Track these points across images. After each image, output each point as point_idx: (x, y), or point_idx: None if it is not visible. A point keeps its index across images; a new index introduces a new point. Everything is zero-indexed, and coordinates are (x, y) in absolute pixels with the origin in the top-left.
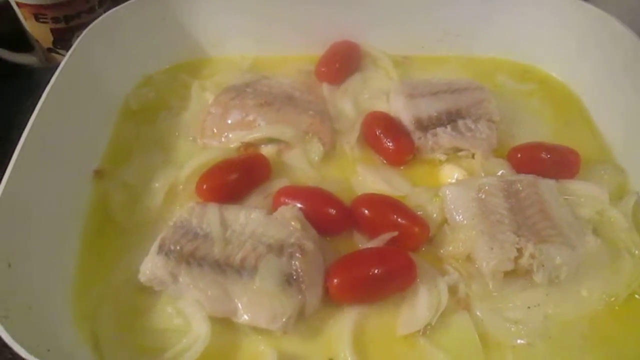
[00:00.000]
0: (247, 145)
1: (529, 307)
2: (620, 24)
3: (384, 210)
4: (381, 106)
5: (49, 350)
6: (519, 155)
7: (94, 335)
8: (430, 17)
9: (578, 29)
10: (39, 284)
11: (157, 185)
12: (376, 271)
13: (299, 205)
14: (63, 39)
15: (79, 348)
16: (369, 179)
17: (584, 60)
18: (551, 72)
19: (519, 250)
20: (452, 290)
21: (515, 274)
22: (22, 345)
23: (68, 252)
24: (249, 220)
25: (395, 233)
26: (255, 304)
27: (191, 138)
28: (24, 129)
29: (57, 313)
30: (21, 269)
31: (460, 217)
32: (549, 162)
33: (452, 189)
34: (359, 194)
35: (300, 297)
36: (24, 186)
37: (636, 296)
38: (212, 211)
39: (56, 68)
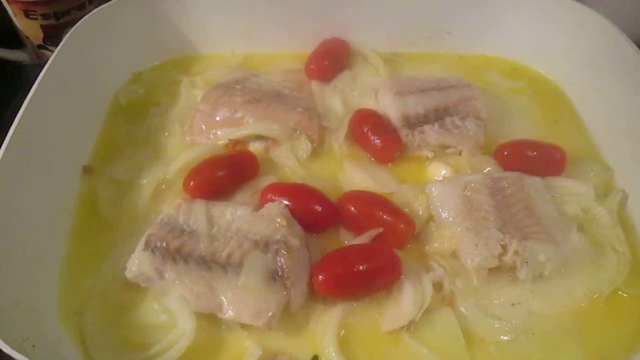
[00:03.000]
0: (235, 142)
1: (513, 304)
2: (610, 24)
3: (370, 207)
4: (370, 103)
5: (34, 346)
6: (506, 153)
7: (81, 331)
8: (420, 15)
9: (568, 28)
10: (25, 279)
11: (145, 181)
12: (362, 268)
13: (285, 202)
14: (53, 36)
15: (65, 343)
16: (356, 176)
17: (573, 59)
18: (541, 71)
19: (504, 247)
20: (437, 286)
21: (500, 271)
22: (6, 341)
23: (55, 248)
24: (235, 217)
25: (381, 229)
26: (240, 299)
27: (179, 135)
28: (11, 124)
29: (43, 309)
30: (7, 264)
31: (446, 214)
32: (535, 159)
33: (438, 186)
34: (347, 190)
35: (285, 293)
36: (12, 182)
37: (619, 292)
38: (199, 208)
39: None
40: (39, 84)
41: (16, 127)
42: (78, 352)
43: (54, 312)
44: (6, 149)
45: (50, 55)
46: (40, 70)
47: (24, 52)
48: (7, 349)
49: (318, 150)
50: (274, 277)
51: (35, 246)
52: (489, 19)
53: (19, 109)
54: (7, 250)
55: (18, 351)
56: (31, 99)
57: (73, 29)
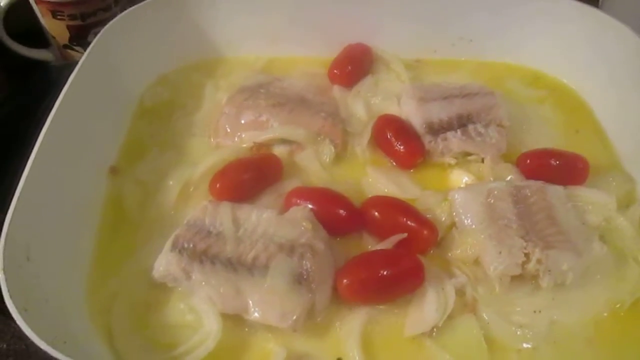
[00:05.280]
0: (260, 145)
1: (534, 312)
2: (632, 32)
3: (394, 212)
4: (392, 109)
5: (65, 342)
6: (528, 161)
7: (108, 329)
8: (443, 22)
9: (590, 37)
10: (55, 278)
11: (171, 183)
12: (385, 272)
13: (310, 206)
14: (79, 36)
15: (93, 341)
16: (379, 181)
17: (595, 68)
18: (562, 79)
19: (527, 255)
20: (460, 293)
21: (522, 279)
22: (41, 337)
23: (84, 247)
24: (261, 220)
25: (404, 235)
26: (266, 301)
27: (204, 137)
28: (42, 125)
29: (72, 307)
30: (39, 262)
31: (469, 221)
32: (557, 168)
33: (461, 193)
34: (369, 195)
35: (310, 296)
36: (42, 182)
37: None
38: (225, 210)
39: (73, 64)
40: (69, 85)
41: (48, 128)
42: (106, 350)
43: (83, 310)
44: (38, 149)
45: (75, 55)
46: (66, 70)
47: (49, 51)
48: (43, 345)
49: (341, 155)
50: (299, 280)
51: (64, 245)
52: (511, 27)
53: (48, 109)
54: (39, 249)
55: (53, 347)
56: (62, 100)
57: (102, 31)
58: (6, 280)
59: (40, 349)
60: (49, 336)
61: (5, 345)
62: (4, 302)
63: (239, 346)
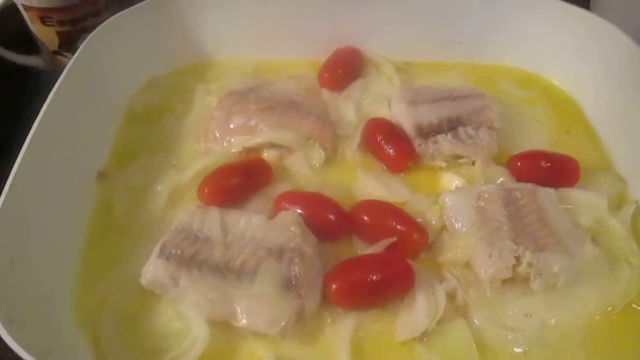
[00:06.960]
0: (249, 150)
1: (526, 315)
2: (622, 33)
3: (384, 216)
4: (383, 112)
5: (50, 352)
6: (519, 164)
7: (96, 336)
8: (433, 24)
9: (581, 38)
10: (41, 283)
11: (159, 188)
12: (375, 277)
13: (299, 210)
14: (69, 42)
15: (81, 348)
16: (369, 184)
17: (586, 69)
18: (553, 81)
19: (517, 258)
20: (450, 296)
21: (513, 282)
22: (24, 347)
23: (71, 252)
24: (249, 224)
25: (394, 239)
26: (254, 307)
27: (194, 142)
28: (30, 129)
29: (59, 313)
30: (23, 267)
31: (459, 224)
32: (548, 170)
33: (451, 196)
34: (359, 199)
35: (298, 301)
36: (29, 185)
37: (633, 305)
38: (213, 215)
39: (62, 70)
40: (56, 90)
41: (35, 132)
42: (94, 358)
43: (70, 317)
44: (25, 153)
45: (65, 62)
46: (56, 76)
47: (38, 57)
48: (25, 356)
49: (331, 158)
50: (288, 285)
51: (51, 250)
52: (501, 29)
53: (36, 114)
54: (23, 254)
55: (36, 357)
56: (49, 104)
57: (90, 35)
58: None
59: None
60: (34, 344)
61: None
62: None
63: (227, 352)
